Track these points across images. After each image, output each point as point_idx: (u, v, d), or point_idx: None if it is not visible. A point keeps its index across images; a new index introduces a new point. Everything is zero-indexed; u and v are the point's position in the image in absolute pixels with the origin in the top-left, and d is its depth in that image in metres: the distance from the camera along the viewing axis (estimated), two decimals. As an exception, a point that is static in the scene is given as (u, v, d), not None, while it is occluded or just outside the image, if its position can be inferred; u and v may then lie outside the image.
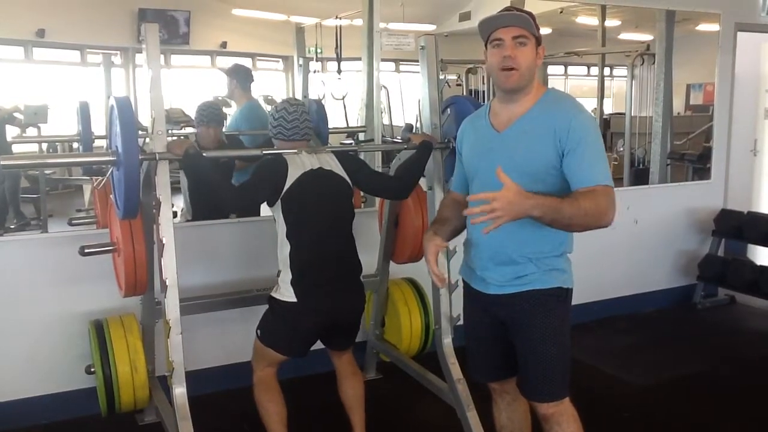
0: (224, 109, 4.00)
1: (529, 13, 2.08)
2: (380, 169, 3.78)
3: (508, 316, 2.17)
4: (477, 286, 2.24)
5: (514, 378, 2.30)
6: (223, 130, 3.95)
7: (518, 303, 2.13)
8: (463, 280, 2.34)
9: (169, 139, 2.46)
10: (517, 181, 1.96)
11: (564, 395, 2.18)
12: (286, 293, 2.59)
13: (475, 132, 2.24)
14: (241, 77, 4.27)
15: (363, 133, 4.10)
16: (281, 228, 2.61)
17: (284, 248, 2.61)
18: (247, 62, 6.07)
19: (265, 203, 2.65)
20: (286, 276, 2.59)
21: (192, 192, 3.64)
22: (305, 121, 2.68)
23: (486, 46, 2.12)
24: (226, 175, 3.63)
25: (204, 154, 2.51)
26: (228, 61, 5.55)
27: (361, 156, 2.96)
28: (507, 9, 2.13)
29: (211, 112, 3.67)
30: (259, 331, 2.70)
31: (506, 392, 2.39)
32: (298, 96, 5.57)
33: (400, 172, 2.95)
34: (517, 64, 2.03)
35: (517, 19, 2.04)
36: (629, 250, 4.81)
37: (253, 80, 4.39)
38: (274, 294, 2.66)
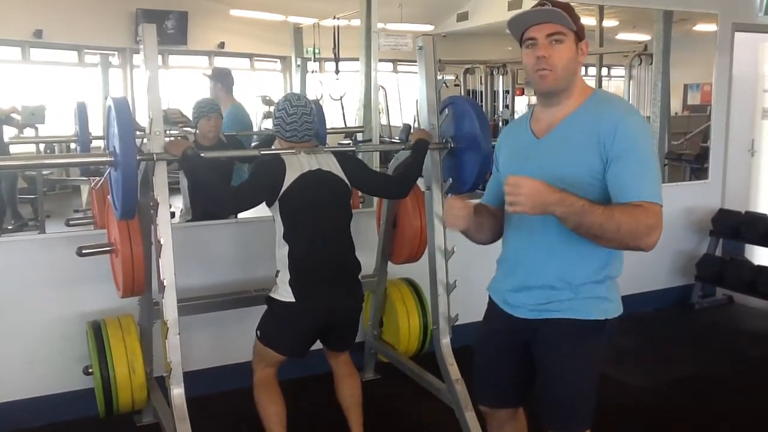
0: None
1: (566, 5, 1.87)
2: (378, 170, 3.78)
3: (535, 341, 1.99)
4: (504, 306, 2.05)
5: (508, 410, 2.21)
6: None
7: (549, 331, 1.94)
8: (490, 297, 2.15)
9: (167, 139, 2.46)
10: None
11: (586, 426, 2.01)
12: (284, 293, 2.59)
13: (513, 139, 2.06)
14: (226, 80, 4.32)
15: (361, 134, 4.10)
16: (279, 228, 2.61)
17: (282, 248, 2.60)
18: (244, 63, 6.07)
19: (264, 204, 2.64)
20: (284, 276, 2.59)
21: (192, 193, 3.64)
22: (305, 123, 2.66)
23: (521, 45, 1.91)
24: (225, 174, 3.62)
25: (201, 155, 2.51)
26: (226, 62, 5.55)
27: (359, 156, 2.96)
28: (540, 3, 1.88)
29: (210, 104, 3.69)
30: (258, 332, 2.70)
31: (496, 417, 2.25)
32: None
33: (398, 172, 2.95)
34: (551, 65, 1.84)
35: (549, 14, 1.83)
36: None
37: (234, 83, 4.42)
38: (272, 294, 2.66)
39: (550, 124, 1.93)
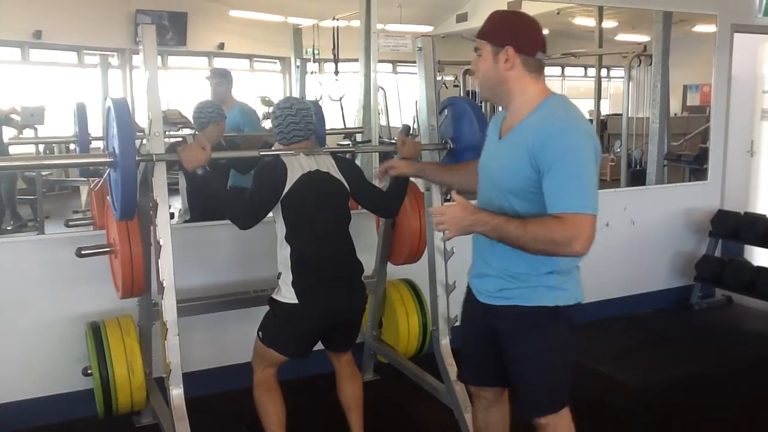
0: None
1: (491, 16, 2.04)
2: (377, 169, 3.77)
3: (498, 327, 2.11)
4: (474, 291, 2.21)
5: (494, 388, 2.30)
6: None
7: (505, 317, 2.07)
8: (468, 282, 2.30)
9: (167, 141, 2.46)
10: (499, 196, 1.99)
11: (556, 409, 2.11)
12: (287, 295, 2.59)
13: (491, 131, 2.17)
14: (228, 80, 4.29)
15: (360, 134, 4.10)
16: (281, 230, 2.61)
17: (284, 250, 2.60)
18: (244, 63, 6.08)
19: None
20: (287, 278, 2.59)
21: (191, 193, 3.64)
22: (306, 122, 2.66)
23: None
24: (222, 176, 3.62)
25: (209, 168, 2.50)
26: (225, 63, 5.55)
27: (358, 157, 2.96)
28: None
29: (218, 109, 3.69)
30: (260, 333, 2.70)
31: (482, 397, 2.36)
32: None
33: (390, 190, 2.91)
34: (477, 76, 2.06)
35: (476, 32, 2.05)
36: (626, 250, 4.81)
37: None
38: (274, 296, 2.65)
39: (510, 126, 2.02)
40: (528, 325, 2.04)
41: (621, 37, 7.08)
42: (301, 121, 2.65)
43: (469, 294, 2.25)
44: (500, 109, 2.18)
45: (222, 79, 4.21)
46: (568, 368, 2.11)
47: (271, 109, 3.33)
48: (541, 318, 2.02)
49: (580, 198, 1.84)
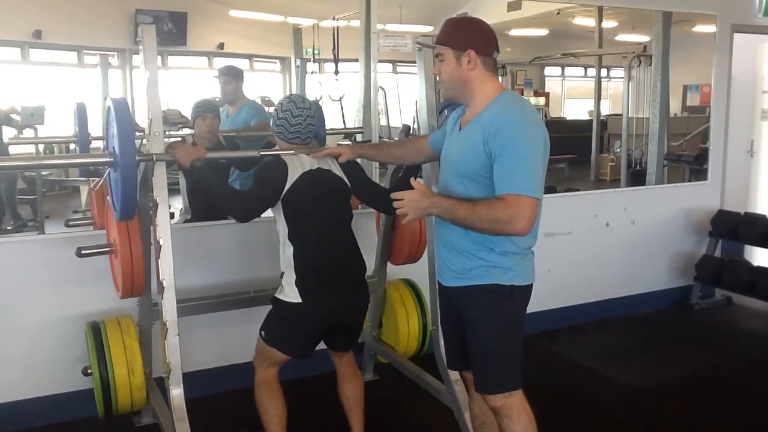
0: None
1: (447, 23, 2.23)
2: (377, 170, 3.77)
3: (460, 309, 2.26)
4: (438, 277, 2.38)
5: None
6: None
7: (464, 297, 2.22)
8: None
9: (167, 140, 2.46)
10: (456, 181, 2.17)
11: (512, 388, 2.21)
12: (290, 294, 2.58)
13: (452, 124, 2.34)
14: (238, 78, 4.25)
15: (360, 135, 4.10)
16: (283, 229, 2.61)
17: (287, 249, 2.60)
18: (244, 63, 6.08)
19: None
20: (290, 277, 2.58)
21: (191, 193, 3.64)
22: (308, 125, 2.66)
23: None
24: (222, 174, 3.62)
25: (208, 156, 2.50)
26: (225, 63, 5.54)
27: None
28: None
29: (207, 104, 3.68)
30: (263, 332, 2.70)
31: (472, 382, 2.43)
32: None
33: (394, 187, 2.93)
34: (441, 80, 2.22)
35: (435, 39, 2.23)
36: (626, 251, 4.82)
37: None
38: (277, 295, 2.65)
39: (468, 119, 2.21)
40: (486, 302, 2.18)
41: (621, 37, 7.09)
42: (305, 123, 2.63)
43: (439, 285, 2.41)
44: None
45: (230, 77, 4.17)
46: (520, 347, 2.23)
47: (271, 109, 3.33)
48: (496, 295, 2.16)
49: (524, 182, 1.99)
